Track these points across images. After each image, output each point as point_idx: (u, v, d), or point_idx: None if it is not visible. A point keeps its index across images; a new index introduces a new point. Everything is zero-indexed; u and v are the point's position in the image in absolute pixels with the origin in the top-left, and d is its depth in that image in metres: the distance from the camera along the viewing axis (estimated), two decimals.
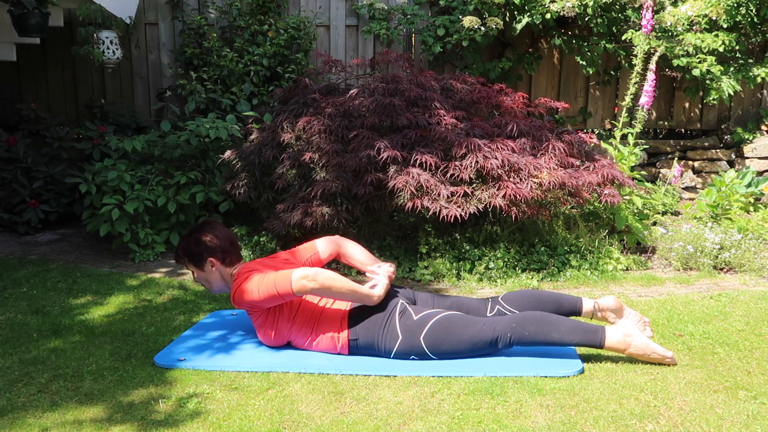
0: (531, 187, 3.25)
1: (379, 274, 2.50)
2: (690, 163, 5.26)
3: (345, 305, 2.43)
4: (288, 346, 2.47)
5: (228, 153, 3.83)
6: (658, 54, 4.32)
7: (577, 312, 2.55)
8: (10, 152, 4.43)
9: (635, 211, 4.04)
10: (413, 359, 2.36)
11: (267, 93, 4.72)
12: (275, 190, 3.62)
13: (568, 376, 2.23)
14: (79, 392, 2.15)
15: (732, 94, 4.74)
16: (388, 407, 2.04)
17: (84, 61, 4.63)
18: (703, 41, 4.58)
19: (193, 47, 4.80)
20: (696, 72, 4.68)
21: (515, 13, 4.76)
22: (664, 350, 2.32)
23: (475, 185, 3.28)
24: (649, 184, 4.65)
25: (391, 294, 2.47)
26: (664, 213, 4.67)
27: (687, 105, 5.44)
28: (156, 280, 3.46)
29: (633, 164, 4.21)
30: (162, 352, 2.43)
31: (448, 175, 3.27)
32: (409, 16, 4.87)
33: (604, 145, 4.41)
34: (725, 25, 4.64)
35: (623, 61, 5.08)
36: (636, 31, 4.65)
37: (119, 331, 2.70)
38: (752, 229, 4.00)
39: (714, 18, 4.66)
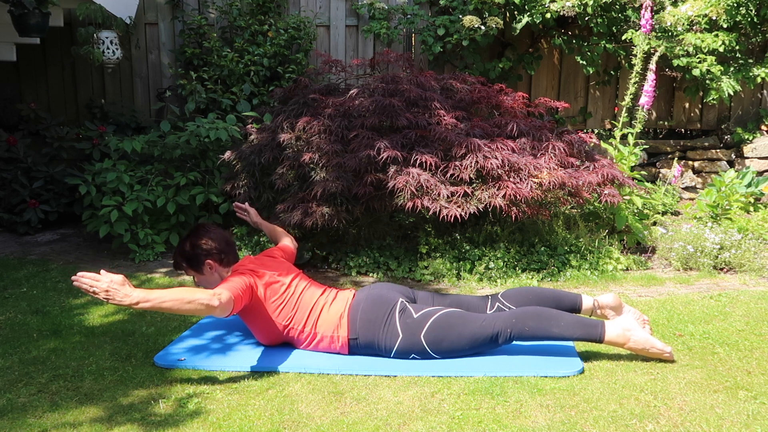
0: (531, 187, 3.25)
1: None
2: (690, 163, 5.26)
3: (344, 304, 2.43)
4: (288, 346, 2.47)
5: (228, 153, 3.83)
6: (658, 54, 4.32)
7: (577, 309, 2.56)
8: (10, 152, 4.43)
9: (635, 211, 4.04)
10: (414, 358, 2.36)
11: (267, 93, 4.72)
12: (275, 190, 3.62)
13: (568, 376, 2.23)
14: (79, 392, 2.15)
15: (732, 94, 4.74)
16: (388, 407, 2.04)
17: (84, 61, 4.63)
18: (703, 41, 4.58)
19: (193, 47, 4.80)
20: (696, 72, 4.68)
21: (515, 12, 4.76)
22: (663, 345, 2.33)
23: (475, 185, 3.28)
24: (649, 184, 4.65)
25: (390, 292, 2.47)
26: (664, 213, 4.67)
27: (687, 105, 5.44)
28: (156, 280, 3.46)
29: (633, 164, 4.21)
30: (162, 352, 2.43)
31: (448, 175, 3.26)
32: (409, 16, 4.87)
33: (604, 145, 4.41)
34: (725, 25, 4.64)
35: (623, 61, 5.08)
36: (636, 30, 4.65)
37: (119, 331, 2.70)
38: (752, 229, 4.00)
39: (714, 18, 4.65)
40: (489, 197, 3.20)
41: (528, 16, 4.63)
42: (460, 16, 4.70)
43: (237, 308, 2.24)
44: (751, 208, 4.51)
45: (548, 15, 4.59)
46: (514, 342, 2.35)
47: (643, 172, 4.78)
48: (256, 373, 2.28)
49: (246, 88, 4.67)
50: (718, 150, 5.25)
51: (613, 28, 4.87)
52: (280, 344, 2.48)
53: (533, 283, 3.36)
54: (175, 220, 3.98)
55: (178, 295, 2.08)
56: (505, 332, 2.31)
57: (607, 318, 2.55)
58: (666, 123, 5.47)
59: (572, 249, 3.61)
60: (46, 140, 4.65)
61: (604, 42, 4.87)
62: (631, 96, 4.29)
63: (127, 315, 2.91)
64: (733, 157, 5.23)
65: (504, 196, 3.20)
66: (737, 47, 4.70)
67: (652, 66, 4.18)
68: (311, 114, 3.65)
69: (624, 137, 4.61)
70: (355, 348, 2.39)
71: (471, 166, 3.24)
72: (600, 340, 2.31)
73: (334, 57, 4.96)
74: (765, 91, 5.39)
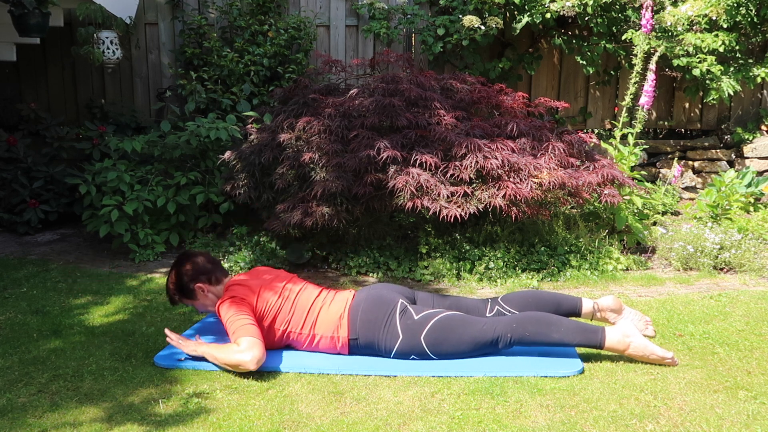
0: (531, 187, 3.25)
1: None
2: (690, 163, 5.26)
3: (343, 305, 2.43)
4: (288, 347, 2.47)
5: (228, 153, 3.83)
6: (658, 54, 4.32)
7: (577, 312, 2.56)
8: (10, 152, 4.43)
9: (635, 211, 4.04)
10: (413, 359, 2.36)
11: (267, 93, 4.72)
12: (275, 190, 3.62)
13: (568, 376, 2.23)
14: (79, 392, 2.15)
15: (732, 94, 4.74)
16: (388, 407, 2.04)
17: (84, 61, 4.63)
18: (703, 41, 4.58)
19: (193, 47, 4.80)
20: (696, 72, 4.68)
21: (515, 12, 4.76)
22: (663, 351, 2.32)
23: (475, 185, 3.28)
24: (649, 184, 4.65)
25: (390, 293, 2.47)
26: (664, 213, 4.67)
27: (687, 105, 5.44)
28: (156, 280, 3.46)
29: (633, 164, 4.21)
30: (162, 352, 2.43)
31: (448, 175, 3.26)
32: (409, 16, 4.87)
33: (604, 145, 4.41)
34: (725, 25, 4.64)
35: (623, 61, 5.08)
36: (636, 30, 4.65)
37: (119, 331, 2.70)
38: (752, 229, 4.00)
39: (714, 18, 4.65)
40: (489, 197, 3.20)
41: (528, 16, 4.63)
42: (460, 16, 4.70)
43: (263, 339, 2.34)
44: (751, 208, 4.51)
45: (548, 15, 4.59)
46: (515, 347, 2.35)
47: (643, 172, 4.78)
48: (256, 373, 2.27)
49: (246, 88, 4.67)
50: (718, 150, 5.25)
51: (613, 28, 4.87)
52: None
53: (533, 282, 3.36)
54: (175, 220, 3.98)
55: (222, 354, 2.27)
56: (505, 337, 2.31)
57: (608, 321, 2.55)
58: (666, 123, 5.47)
59: (572, 249, 3.61)
60: (46, 140, 4.65)
61: (604, 42, 4.87)
62: (631, 96, 4.29)
63: (127, 315, 2.91)
64: (733, 157, 5.23)
65: (504, 196, 3.20)
66: (737, 47, 4.70)
67: (652, 66, 4.18)
68: (311, 114, 3.65)
69: (624, 137, 4.61)
70: (355, 348, 2.39)
71: (471, 166, 3.24)
72: (600, 346, 2.32)
73: (334, 57, 4.96)
74: (765, 91, 5.39)
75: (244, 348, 2.21)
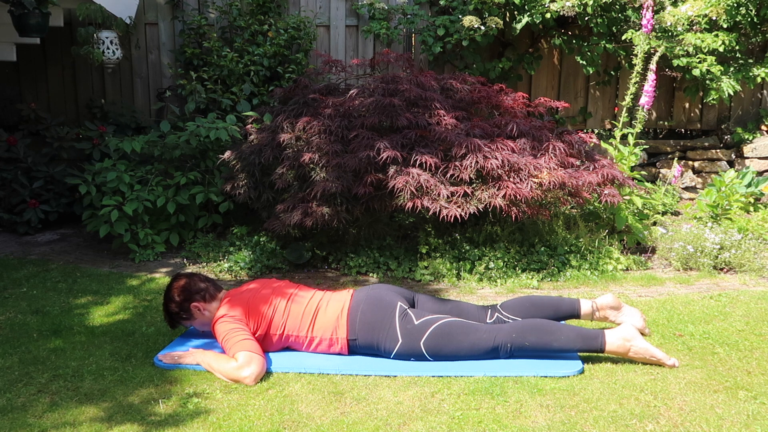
0: (531, 187, 3.25)
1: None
2: (690, 163, 5.26)
3: (341, 306, 2.43)
4: (287, 348, 2.47)
5: (227, 153, 3.83)
6: (658, 54, 4.32)
7: (576, 314, 2.56)
8: (10, 152, 4.43)
9: (635, 211, 4.04)
10: (413, 360, 2.36)
11: (267, 93, 4.72)
12: (275, 190, 3.62)
13: (568, 376, 2.23)
14: (79, 392, 2.15)
15: (732, 94, 4.74)
16: (388, 407, 2.04)
17: (84, 61, 4.63)
18: (703, 41, 4.58)
19: (193, 47, 4.80)
20: (696, 72, 4.68)
21: (515, 12, 4.76)
22: (663, 355, 2.33)
23: (475, 185, 3.28)
24: (649, 184, 4.65)
25: (390, 294, 2.47)
26: (664, 213, 4.67)
27: (687, 105, 5.44)
28: (156, 280, 3.46)
29: (633, 164, 4.21)
30: (162, 352, 2.43)
31: (448, 175, 3.27)
32: (409, 16, 4.87)
33: (604, 145, 4.41)
34: (725, 25, 4.64)
35: (623, 61, 5.08)
36: (636, 31, 4.65)
37: (119, 331, 2.70)
38: (752, 229, 4.00)
39: (714, 18, 4.65)
40: (489, 197, 3.20)
41: (528, 16, 4.63)
42: (460, 16, 4.70)
43: (262, 351, 2.33)
44: (751, 208, 4.51)
45: (548, 15, 4.59)
46: (515, 354, 2.33)
47: (643, 172, 4.78)
48: None
49: (246, 88, 4.67)
50: (718, 150, 5.25)
51: (613, 28, 4.87)
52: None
53: (533, 282, 3.36)
54: (175, 220, 3.98)
55: (220, 367, 2.27)
56: (505, 347, 2.32)
57: (608, 318, 2.56)
58: (666, 123, 5.47)
59: (572, 249, 3.61)
60: (46, 140, 4.65)
61: (604, 42, 4.87)
62: (631, 96, 4.29)
63: (127, 315, 2.91)
64: (733, 157, 5.23)
65: (504, 196, 3.20)
66: (737, 47, 4.70)
67: (652, 66, 4.18)
68: (311, 114, 3.65)
69: (624, 137, 4.61)
70: (354, 348, 2.40)
71: (471, 167, 3.24)
72: (601, 351, 2.32)
73: (334, 57, 4.96)
74: (765, 91, 5.39)
75: (242, 364, 2.21)
